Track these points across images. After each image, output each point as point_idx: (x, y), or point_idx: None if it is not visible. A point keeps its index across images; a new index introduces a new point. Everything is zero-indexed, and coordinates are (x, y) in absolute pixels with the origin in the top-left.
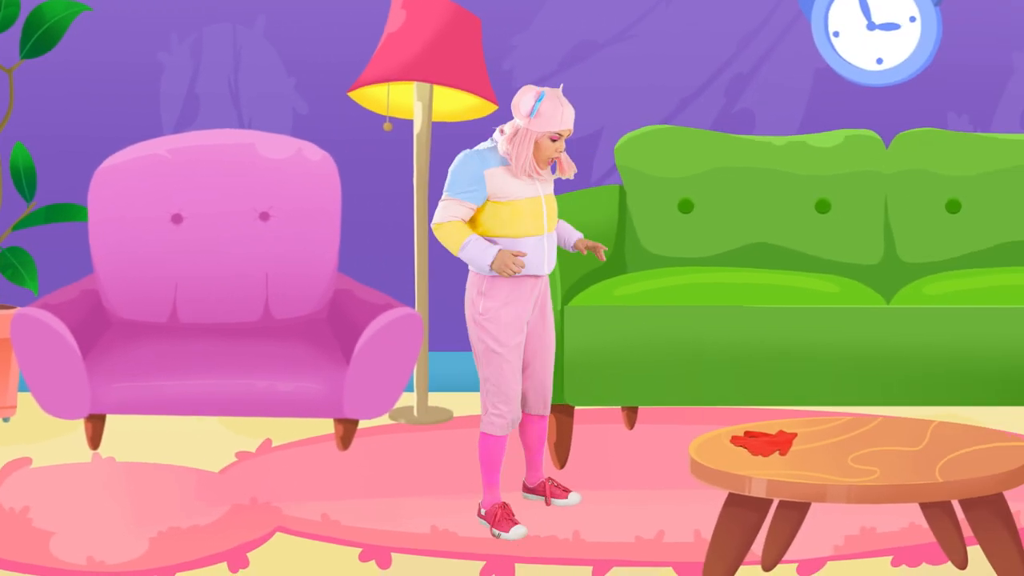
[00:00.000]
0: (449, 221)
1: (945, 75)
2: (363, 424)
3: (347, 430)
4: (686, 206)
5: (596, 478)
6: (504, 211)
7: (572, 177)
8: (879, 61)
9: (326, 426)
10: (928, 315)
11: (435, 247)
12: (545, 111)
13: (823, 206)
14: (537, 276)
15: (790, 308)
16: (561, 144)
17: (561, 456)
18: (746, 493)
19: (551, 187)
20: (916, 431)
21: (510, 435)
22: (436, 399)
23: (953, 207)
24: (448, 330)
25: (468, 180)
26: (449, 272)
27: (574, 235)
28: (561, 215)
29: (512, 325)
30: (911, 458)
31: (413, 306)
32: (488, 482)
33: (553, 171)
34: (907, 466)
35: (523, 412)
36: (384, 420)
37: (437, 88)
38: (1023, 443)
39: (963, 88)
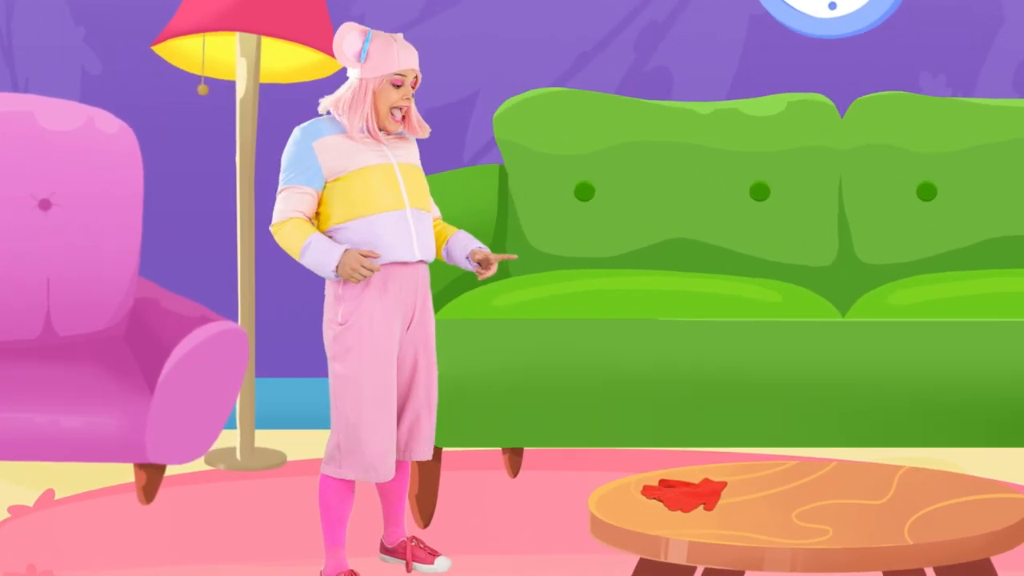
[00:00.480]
0: (289, 219)
1: (916, 24)
2: (171, 470)
3: (151, 478)
4: (585, 192)
5: (470, 540)
6: (348, 186)
7: (424, 136)
8: (832, 6)
9: (125, 473)
10: (894, 331)
11: (263, 245)
12: (376, 50)
13: (761, 191)
14: (404, 264)
15: (719, 322)
16: (407, 90)
17: (425, 511)
18: (662, 559)
19: (412, 155)
20: (879, 479)
21: (360, 484)
22: (265, 439)
23: (926, 193)
24: (280, 351)
25: (297, 159)
26: (281, 277)
27: (471, 244)
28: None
29: (381, 332)
30: (873, 514)
31: (236, 320)
32: (331, 542)
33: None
34: (868, 524)
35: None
36: (199, 465)
37: (266, 41)
38: (1016, 495)
39: (939, 41)
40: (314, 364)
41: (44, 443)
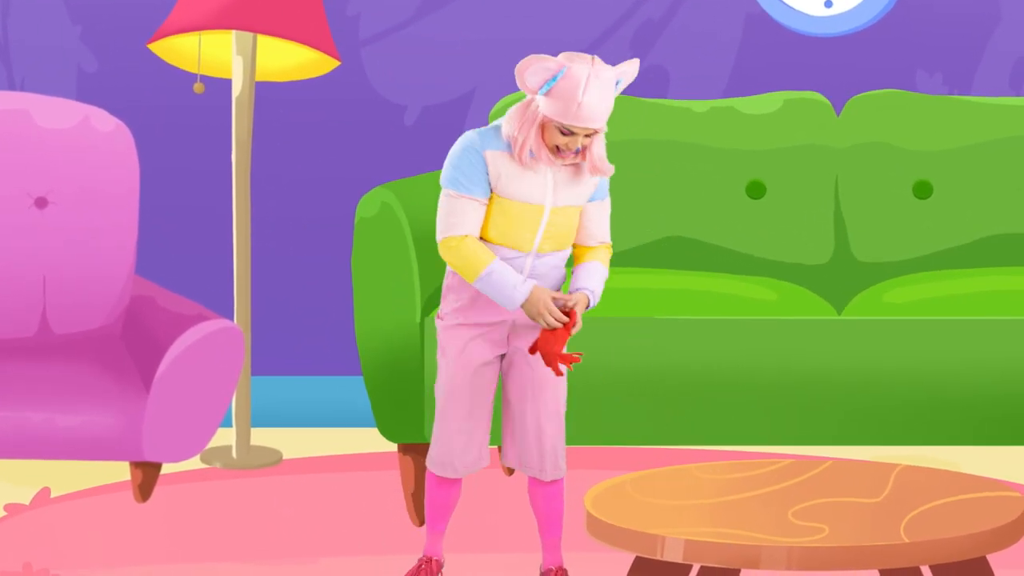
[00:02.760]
0: (466, 236)
1: (913, 22)
2: (167, 469)
3: (147, 476)
4: None
5: (465, 538)
6: (490, 210)
7: (606, 175)
8: (828, 4)
9: (121, 471)
10: (890, 329)
11: (259, 243)
12: (558, 95)
13: (757, 190)
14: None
15: (715, 320)
16: (576, 141)
17: (420, 509)
18: (658, 557)
19: (578, 195)
20: (875, 477)
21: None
22: (261, 436)
23: (922, 191)
24: (276, 349)
25: (468, 166)
26: (278, 275)
27: (576, 282)
28: (417, 202)
29: (460, 341)
30: (869, 512)
31: (232, 318)
32: (430, 529)
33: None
34: (864, 522)
35: (519, 471)
36: (195, 463)
37: (261, 39)
38: (1012, 493)
39: (936, 39)
40: (310, 362)
41: (40, 441)
